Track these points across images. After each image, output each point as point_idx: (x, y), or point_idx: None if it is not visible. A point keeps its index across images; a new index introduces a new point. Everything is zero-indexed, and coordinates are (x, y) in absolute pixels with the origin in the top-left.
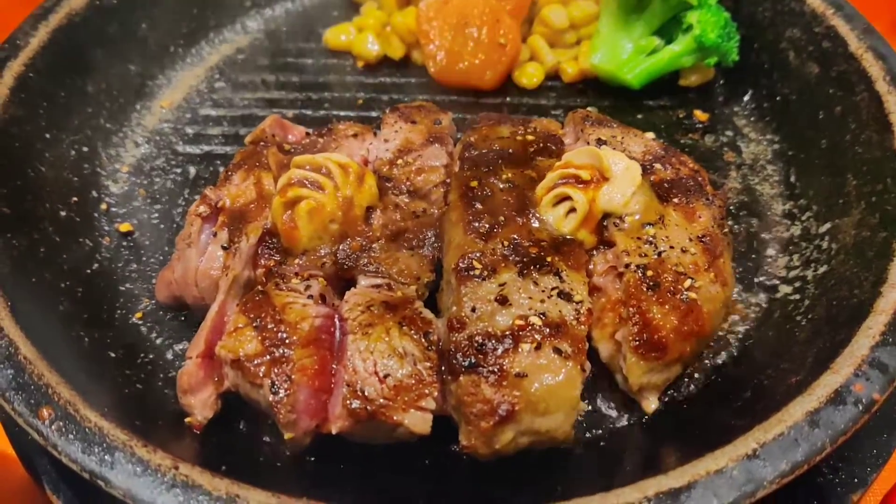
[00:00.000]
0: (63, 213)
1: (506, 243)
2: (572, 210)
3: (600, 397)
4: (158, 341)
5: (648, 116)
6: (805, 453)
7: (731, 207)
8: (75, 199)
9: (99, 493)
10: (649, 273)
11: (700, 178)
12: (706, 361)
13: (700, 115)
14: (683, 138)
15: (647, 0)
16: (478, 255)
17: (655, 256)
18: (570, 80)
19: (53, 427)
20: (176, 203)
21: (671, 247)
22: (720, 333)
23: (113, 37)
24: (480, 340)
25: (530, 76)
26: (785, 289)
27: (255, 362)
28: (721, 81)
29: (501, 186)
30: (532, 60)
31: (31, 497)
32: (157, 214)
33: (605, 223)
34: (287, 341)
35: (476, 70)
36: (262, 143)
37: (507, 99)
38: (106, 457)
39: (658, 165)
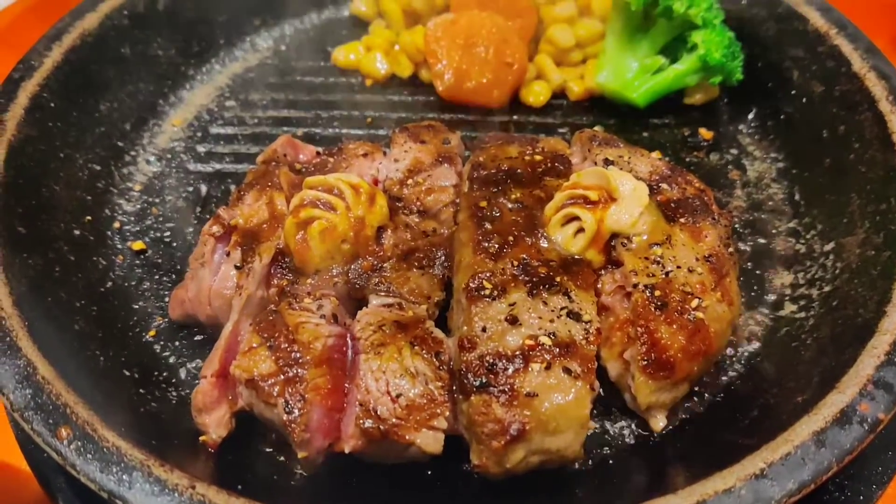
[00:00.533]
0: (77, 232)
1: (515, 263)
2: (580, 230)
3: (609, 416)
4: (171, 360)
5: (654, 134)
6: (812, 473)
7: (736, 225)
8: (89, 217)
9: None
10: (657, 293)
11: (706, 198)
12: (713, 380)
13: (705, 133)
14: (689, 156)
15: (652, 20)
16: (488, 274)
17: (663, 276)
18: (577, 99)
19: (72, 447)
20: (188, 221)
21: (678, 266)
22: (726, 352)
23: (125, 57)
24: (491, 360)
25: (537, 94)
26: (790, 307)
27: (270, 382)
28: (725, 100)
29: (510, 206)
30: (539, 79)
31: None
32: (169, 233)
33: (612, 243)
34: (300, 361)
35: (483, 89)
36: (273, 163)
37: (515, 117)
38: (124, 476)
39: (664, 185)
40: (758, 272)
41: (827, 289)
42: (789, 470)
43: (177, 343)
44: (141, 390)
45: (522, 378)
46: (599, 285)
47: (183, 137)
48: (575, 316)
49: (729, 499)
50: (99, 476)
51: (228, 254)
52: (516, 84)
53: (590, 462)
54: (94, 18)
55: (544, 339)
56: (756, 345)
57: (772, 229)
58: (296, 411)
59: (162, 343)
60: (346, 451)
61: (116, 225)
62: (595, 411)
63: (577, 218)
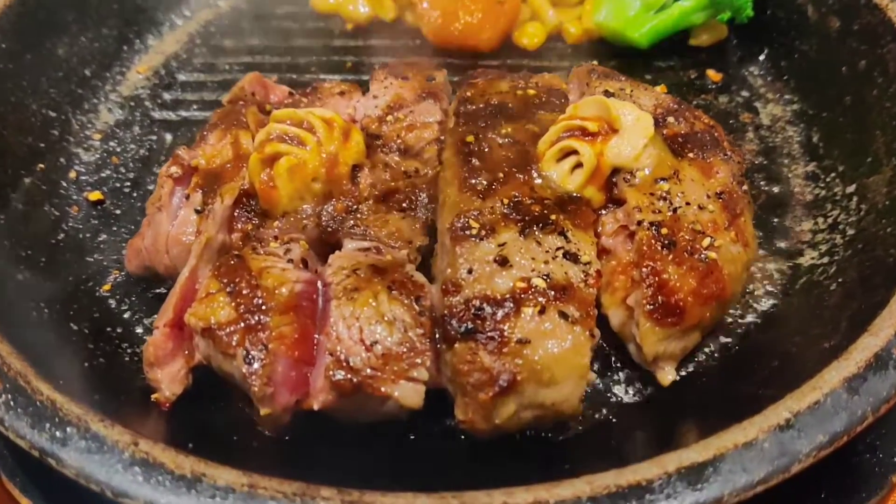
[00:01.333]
0: (27, 181)
1: (505, 201)
2: (578, 165)
3: (611, 370)
4: (127, 315)
5: (658, 77)
6: (845, 423)
7: (750, 170)
8: (41, 165)
9: (58, 476)
10: (664, 231)
11: (716, 134)
12: (726, 333)
13: (713, 75)
14: (696, 99)
15: None
16: (475, 213)
17: (670, 213)
18: (574, 41)
19: (1, 400)
20: (150, 171)
21: (687, 203)
22: (741, 301)
23: None
24: (478, 304)
25: (531, 36)
26: (811, 253)
27: (228, 330)
28: (734, 41)
29: (500, 142)
30: (533, 20)
31: None
32: (129, 183)
33: (614, 180)
34: (264, 307)
35: (473, 29)
36: (241, 103)
37: (508, 61)
38: (57, 433)
39: (671, 119)
40: (774, 219)
41: (851, 232)
42: (818, 420)
43: (134, 298)
44: (90, 346)
45: (513, 323)
46: (599, 228)
47: (148, 85)
48: (572, 257)
49: (750, 452)
50: (29, 433)
51: (188, 197)
52: (508, 25)
53: (590, 420)
54: None
55: (538, 282)
56: (774, 293)
57: (788, 174)
58: (257, 363)
59: (118, 298)
60: (315, 407)
61: (72, 175)
62: (595, 365)
63: (574, 152)
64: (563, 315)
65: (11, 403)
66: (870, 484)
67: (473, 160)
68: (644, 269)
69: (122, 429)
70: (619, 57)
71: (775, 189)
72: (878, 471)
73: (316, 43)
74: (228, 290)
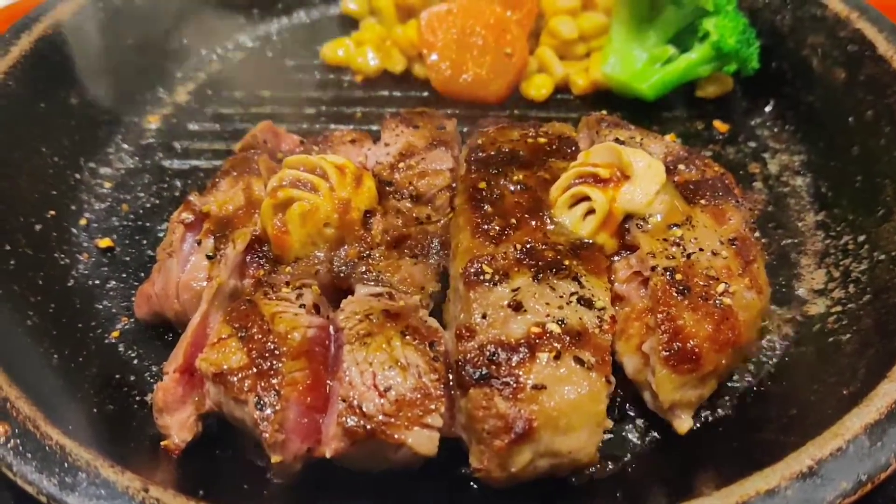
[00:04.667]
0: (38, 227)
1: (518, 247)
2: (591, 211)
3: (627, 419)
4: (136, 362)
5: (665, 128)
6: (869, 470)
7: (759, 219)
8: (52, 212)
9: None
10: (678, 276)
11: (727, 181)
12: (742, 381)
13: (720, 126)
14: (703, 150)
15: (660, 7)
16: (488, 258)
17: (684, 259)
18: (581, 93)
19: (9, 445)
20: (160, 219)
21: (701, 249)
22: (756, 349)
23: (100, 50)
24: (493, 349)
25: (539, 87)
26: (824, 302)
27: (240, 376)
28: (740, 93)
29: (512, 188)
30: (541, 72)
31: None
32: (139, 230)
33: (626, 226)
34: (276, 353)
35: (481, 81)
36: (252, 151)
37: (515, 112)
38: (66, 478)
39: (681, 166)
40: (785, 269)
41: (864, 279)
42: (842, 467)
43: (143, 345)
44: (99, 392)
45: (528, 368)
46: (612, 275)
47: (160, 134)
48: (586, 302)
49: (773, 500)
50: (37, 478)
51: (199, 242)
52: (516, 76)
53: (606, 469)
54: (67, 10)
55: (552, 327)
56: (788, 342)
57: (798, 223)
58: (269, 408)
59: (126, 344)
60: (328, 455)
61: (83, 221)
62: (610, 413)
63: (586, 198)
64: (579, 361)
65: (20, 448)
66: None
67: (486, 206)
68: (659, 315)
69: (133, 475)
70: (625, 108)
71: (786, 238)
72: None
73: (326, 94)
74: (240, 335)
